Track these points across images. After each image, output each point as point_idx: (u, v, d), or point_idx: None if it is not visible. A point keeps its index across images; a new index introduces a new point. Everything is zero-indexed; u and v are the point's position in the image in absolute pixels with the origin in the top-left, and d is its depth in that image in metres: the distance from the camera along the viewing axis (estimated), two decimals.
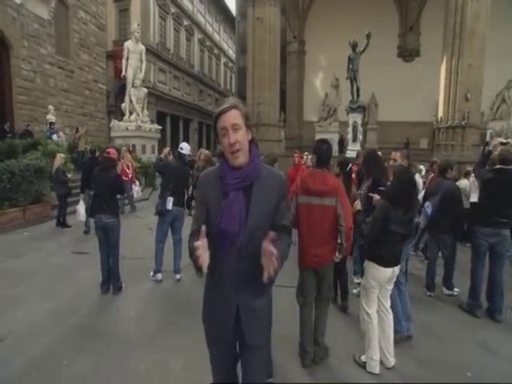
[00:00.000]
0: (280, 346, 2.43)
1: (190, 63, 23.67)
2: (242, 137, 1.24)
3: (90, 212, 3.49)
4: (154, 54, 17.76)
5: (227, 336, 1.34)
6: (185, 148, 4.01)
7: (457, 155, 12.60)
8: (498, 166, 3.19)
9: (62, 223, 6.40)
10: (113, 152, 3.68)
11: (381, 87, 16.85)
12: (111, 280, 3.53)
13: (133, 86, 11.43)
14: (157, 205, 3.85)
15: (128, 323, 3.02)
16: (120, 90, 17.36)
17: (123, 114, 12.47)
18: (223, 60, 30.95)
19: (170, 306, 3.38)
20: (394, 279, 2.43)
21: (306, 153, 6.79)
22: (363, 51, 12.34)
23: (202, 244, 1.14)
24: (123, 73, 11.47)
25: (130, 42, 11.55)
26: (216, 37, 28.71)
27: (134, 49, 11.44)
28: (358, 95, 13.23)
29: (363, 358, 2.48)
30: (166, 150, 4.28)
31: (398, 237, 2.32)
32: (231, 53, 32.72)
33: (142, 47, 11.86)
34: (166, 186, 3.81)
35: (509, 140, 11.42)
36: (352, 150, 13.39)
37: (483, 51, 11.86)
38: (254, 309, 1.31)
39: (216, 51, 28.78)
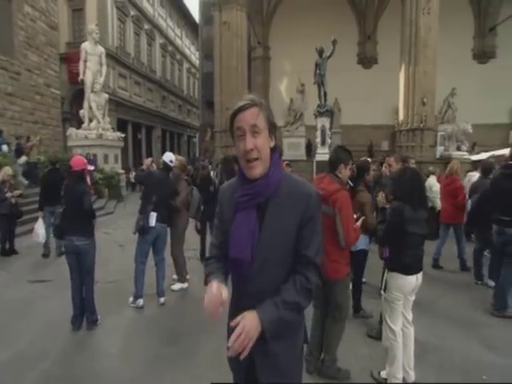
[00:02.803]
0: None
1: (152, 68, 22.81)
2: (261, 143, 0.99)
3: (60, 233, 2.94)
4: (113, 58, 16.78)
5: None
6: (170, 158, 3.66)
7: (417, 156, 13.40)
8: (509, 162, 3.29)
9: (7, 250, 5.44)
10: (77, 162, 3.08)
11: (343, 92, 17.54)
12: (85, 313, 3.03)
13: (92, 90, 10.54)
14: (137, 220, 3.41)
15: (110, 363, 2.56)
16: (76, 96, 16.12)
17: (81, 122, 11.48)
18: (186, 66, 30.35)
19: (157, 336, 2.97)
20: (416, 290, 2.29)
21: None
22: (329, 57, 12.71)
23: (214, 295, 0.94)
24: (81, 76, 10.53)
25: (87, 43, 10.66)
26: (178, 42, 28.08)
27: (92, 51, 10.57)
28: (326, 99, 13.56)
29: (383, 374, 2.33)
30: (149, 160, 3.85)
31: (418, 238, 2.21)
32: (194, 59, 32.24)
33: (102, 49, 11.03)
34: (148, 199, 3.39)
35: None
36: (321, 154, 13.71)
37: (435, 60, 12.86)
38: (272, 354, 1.02)
39: (178, 57, 28.12)
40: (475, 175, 5.20)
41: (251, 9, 17.48)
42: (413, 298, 2.31)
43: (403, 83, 13.38)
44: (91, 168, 3.44)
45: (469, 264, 4.58)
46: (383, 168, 3.20)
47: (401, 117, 13.82)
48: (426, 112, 12.92)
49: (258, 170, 1.00)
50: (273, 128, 1.04)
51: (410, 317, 2.32)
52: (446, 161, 12.60)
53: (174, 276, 4.18)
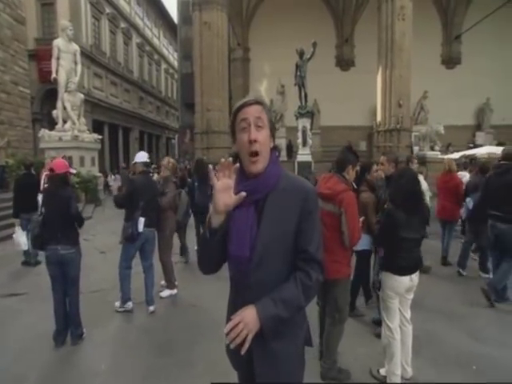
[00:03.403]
0: None
1: (129, 68, 22.10)
2: (264, 138, 1.01)
3: (40, 243, 2.70)
4: (87, 56, 16.05)
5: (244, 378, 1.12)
6: (146, 156, 3.55)
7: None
8: (501, 162, 3.46)
9: None
10: (60, 164, 2.87)
11: (322, 94, 17.85)
12: (68, 327, 2.80)
13: (66, 90, 9.97)
14: (124, 228, 3.26)
15: (101, 382, 2.38)
16: (47, 96, 15.26)
17: (53, 123, 10.85)
18: (164, 66, 29.73)
19: (149, 347, 2.81)
20: (414, 288, 2.32)
21: None
22: (310, 59, 12.87)
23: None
24: (53, 75, 9.90)
25: (60, 40, 10.05)
26: (156, 42, 27.44)
27: (65, 48, 9.99)
28: (306, 101, 13.72)
29: (382, 371, 2.34)
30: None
31: (411, 243, 2.21)
32: (172, 59, 31.66)
33: (76, 47, 10.45)
34: (135, 205, 3.23)
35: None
36: (303, 154, 13.87)
37: (409, 64, 13.41)
38: (271, 353, 1.01)
39: (156, 57, 27.47)
40: (466, 175, 5.42)
41: (231, 10, 17.43)
42: (411, 296, 2.32)
43: (380, 86, 13.84)
44: (73, 171, 3.24)
45: (450, 259, 4.78)
46: (378, 167, 3.22)
47: (378, 118, 14.28)
48: (402, 114, 13.44)
49: (259, 164, 1.00)
50: (273, 129, 1.07)
51: (407, 315, 2.33)
52: (421, 160, 13.17)
53: (162, 282, 4.02)
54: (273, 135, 1.07)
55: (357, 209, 2.21)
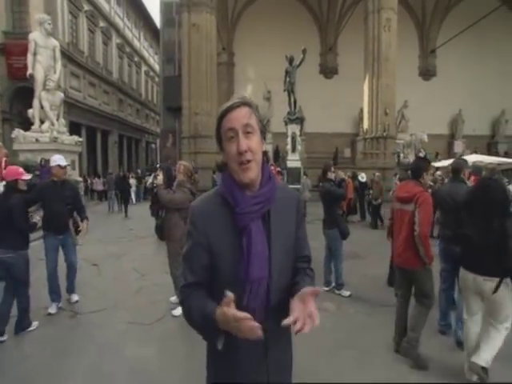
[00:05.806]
0: None
1: (108, 69, 21.20)
2: (255, 144, 0.91)
3: None
4: (64, 54, 14.99)
5: None
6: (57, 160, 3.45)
7: (381, 162, 14.29)
8: None
9: None
10: (9, 171, 3.02)
11: (306, 101, 17.95)
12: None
13: (44, 88, 9.18)
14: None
15: None
16: (17, 94, 14.17)
17: (26, 123, 9.98)
18: (144, 68, 28.94)
19: (167, 375, 2.42)
20: (491, 298, 2.08)
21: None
22: (299, 65, 12.90)
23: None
24: (29, 71, 9.10)
25: (37, 34, 9.27)
26: (136, 43, 26.67)
27: (43, 43, 9.21)
28: (296, 107, 13.72)
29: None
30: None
31: (472, 242, 2.13)
32: (152, 61, 30.93)
33: (56, 42, 9.69)
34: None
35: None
36: (292, 160, 13.80)
37: (394, 74, 13.87)
38: (283, 363, 1.03)
39: (136, 59, 26.68)
40: None
41: (217, 14, 17.28)
42: (490, 305, 2.14)
43: (367, 94, 14.17)
44: (27, 177, 3.12)
45: None
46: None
47: (365, 126, 14.59)
48: (389, 122, 13.83)
49: (252, 172, 0.91)
50: (264, 131, 0.98)
51: (492, 320, 2.17)
52: (405, 167, 13.60)
53: (173, 298, 3.61)
54: (264, 137, 0.97)
55: (431, 208, 2.43)
